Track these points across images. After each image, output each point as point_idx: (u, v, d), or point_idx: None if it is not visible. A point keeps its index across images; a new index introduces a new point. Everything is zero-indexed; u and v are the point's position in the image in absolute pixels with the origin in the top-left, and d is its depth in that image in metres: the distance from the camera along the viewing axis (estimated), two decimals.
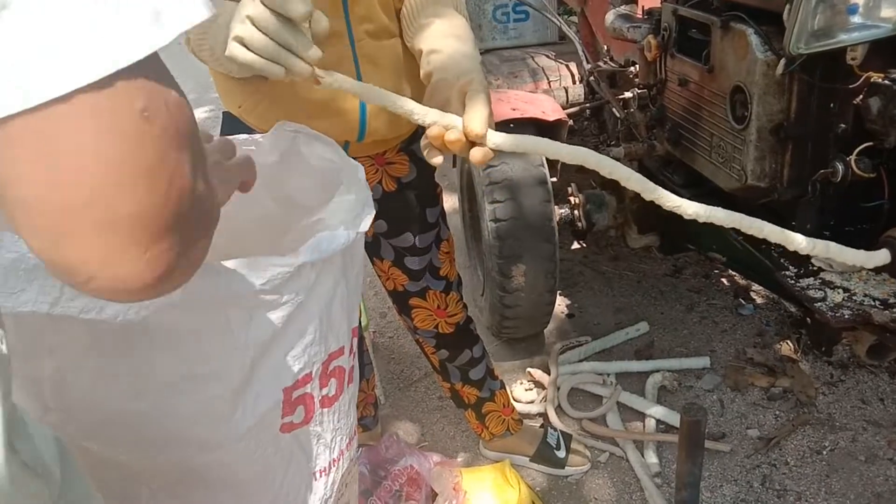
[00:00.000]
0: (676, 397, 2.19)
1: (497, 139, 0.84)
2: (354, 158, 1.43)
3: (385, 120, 1.37)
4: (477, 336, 1.84)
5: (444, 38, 1.07)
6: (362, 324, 2.06)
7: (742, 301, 2.56)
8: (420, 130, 1.57)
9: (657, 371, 2.23)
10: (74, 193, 0.37)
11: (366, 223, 0.91)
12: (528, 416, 2.16)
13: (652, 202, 0.91)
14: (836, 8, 1.23)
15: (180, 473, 0.89)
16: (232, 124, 1.43)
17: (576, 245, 2.96)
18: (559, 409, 2.16)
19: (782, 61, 1.35)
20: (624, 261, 2.86)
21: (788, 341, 2.32)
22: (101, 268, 0.40)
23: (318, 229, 0.89)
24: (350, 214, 0.91)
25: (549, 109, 2.21)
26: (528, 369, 2.31)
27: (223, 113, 1.47)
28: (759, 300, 2.56)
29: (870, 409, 2.10)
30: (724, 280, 2.70)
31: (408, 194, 1.56)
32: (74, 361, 0.76)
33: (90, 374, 0.77)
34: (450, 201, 3.13)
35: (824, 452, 1.97)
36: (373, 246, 1.63)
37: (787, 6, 1.25)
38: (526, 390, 2.26)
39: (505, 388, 1.96)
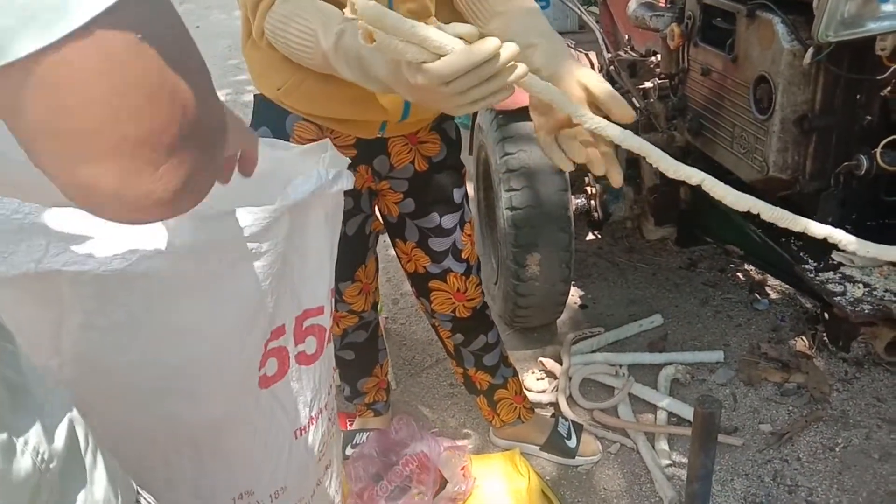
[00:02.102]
0: (689, 390, 2.17)
1: (632, 140, 0.89)
2: (389, 138, 1.47)
3: None
4: (492, 322, 1.84)
5: (532, 30, 1.09)
6: (378, 308, 2.05)
7: (757, 296, 2.54)
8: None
9: (670, 364, 2.22)
10: (84, 120, 0.39)
11: (343, 182, 0.92)
12: (540, 405, 2.16)
13: (670, 193, 0.92)
14: None
15: (174, 432, 0.89)
16: (267, 109, 1.42)
17: (590, 236, 2.94)
18: (570, 399, 2.15)
19: (810, 50, 1.33)
20: (639, 253, 2.85)
21: (803, 337, 2.30)
22: (117, 189, 0.42)
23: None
24: (325, 171, 0.92)
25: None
26: (541, 359, 2.31)
27: (256, 97, 1.46)
28: (774, 295, 2.54)
29: (885, 406, 2.08)
30: (739, 274, 2.68)
31: (438, 174, 1.56)
32: (63, 315, 0.76)
33: (78, 328, 0.77)
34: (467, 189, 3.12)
35: (837, 449, 1.96)
36: (396, 227, 1.63)
37: None
38: (538, 380, 2.26)
39: (517, 376, 1.95)
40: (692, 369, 2.23)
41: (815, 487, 1.85)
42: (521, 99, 1.04)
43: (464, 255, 1.65)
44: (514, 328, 2.42)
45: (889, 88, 1.38)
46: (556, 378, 2.23)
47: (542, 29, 1.12)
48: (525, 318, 2.30)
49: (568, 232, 2.14)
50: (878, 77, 1.37)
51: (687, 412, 2.02)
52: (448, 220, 1.60)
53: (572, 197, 2.39)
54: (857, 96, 1.41)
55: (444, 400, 2.20)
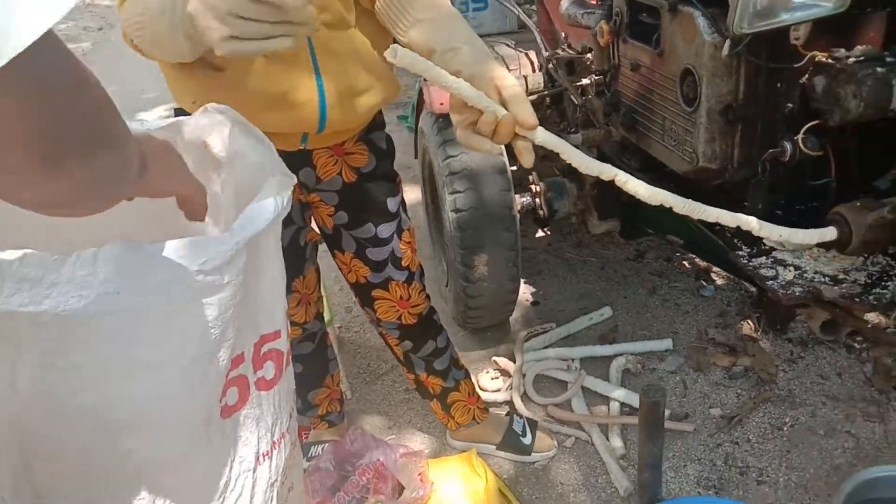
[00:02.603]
0: (640, 380, 2.21)
1: (543, 135, 0.92)
2: (313, 150, 1.46)
3: (344, 111, 1.36)
4: (440, 326, 1.84)
5: (454, 35, 1.11)
6: (326, 319, 2.04)
7: (703, 283, 2.59)
8: (378, 119, 1.58)
9: (621, 355, 2.25)
10: None
11: (288, 206, 0.92)
12: (495, 404, 2.17)
13: (612, 187, 0.94)
14: None
15: (134, 468, 0.87)
16: None
17: (540, 233, 2.97)
18: (525, 396, 2.17)
19: (727, 43, 1.36)
20: (587, 247, 2.88)
21: (749, 321, 2.35)
22: (19, 193, 0.54)
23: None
24: (272, 188, 0.91)
25: None
26: (494, 358, 2.32)
27: (175, 110, 1.44)
28: (719, 281, 2.60)
29: (828, 383, 2.14)
30: (685, 263, 2.73)
31: (368, 184, 1.55)
32: (21, 355, 0.75)
33: (36, 367, 0.75)
34: (414, 192, 3.13)
35: (785, 428, 2.01)
36: (333, 239, 1.62)
37: None
38: (492, 379, 2.27)
39: (470, 378, 1.96)
40: (642, 359, 2.27)
41: (764, 467, 1.90)
42: None
43: (404, 263, 1.64)
44: (468, 329, 2.43)
45: (807, 76, 1.41)
46: (510, 376, 2.24)
47: (465, 34, 1.12)
48: (477, 319, 2.31)
49: (513, 231, 2.15)
50: (796, 66, 1.40)
51: (638, 401, 2.05)
52: (384, 230, 1.59)
53: (517, 196, 2.41)
54: (778, 85, 1.45)
55: (401, 406, 2.20)
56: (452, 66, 1.03)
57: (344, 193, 1.54)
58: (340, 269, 1.69)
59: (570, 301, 2.60)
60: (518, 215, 2.37)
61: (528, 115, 0.92)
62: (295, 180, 0.97)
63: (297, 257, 1.62)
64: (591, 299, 2.59)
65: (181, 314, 0.80)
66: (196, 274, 0.77)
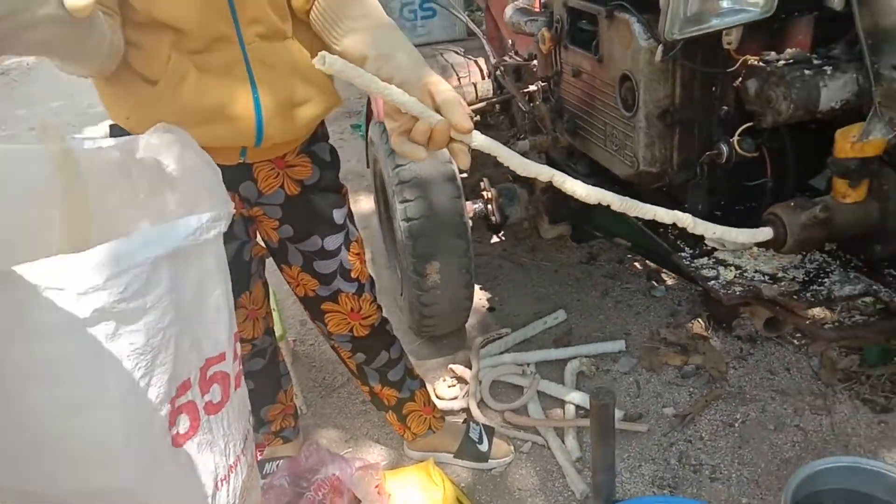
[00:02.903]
0: (594, 382, 2.23)
1: (479, 138, 0.92)
2: (253, 164, 1.44)
3: (282, 123, 1.35)
4: (393, 337, 1.84)
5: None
6: (277, 334, 2.02)
7: (654, 283, 2.63)
8: (320, 131, 1.57)
9: (575, 357, 2.27)
10: None
11: (222, 225, 0.90)
12: (453, 412, 2.17)
13: (561, 192, 0.95)
14: None
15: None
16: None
17: (495, 238, 2.98)
18: (482, 403, 2.17)
19: (660, 48, 1.39)
20: (541, 251, 2.90)
21: (699, 319, 2.39)
22: None
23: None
24: (197, 217, 0.90)
25: None
26: (451, 366, 2.32)
27: (110, 126, 1.41)
28: (670, 281, 2.64)
29: (777, 378, 2.19)
30: (636, 264, 2.76)
31: (313, 196, 1.54)
32: None
33: None
34: (369, 202, 3.12)
35: (736, 425, 2.04)
36: (279, 252, 1.60)
37: None
38: (449, 387, 2.26)
39: (425, 387, 1.95)
40: (596, 360, 2.29)
41: (717, 464, 1.93)
42: None
43: (353, 275, 1.63)
44: (424, 337, 2.42)
45: (740, 79, 1.45)
46: (467, 383, 2.24)
47: (397, 42, 1.13)
48: (432, 327, 2.31)
49: (465, 238, 2.15)
50: (729, 69, 1.43)
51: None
52: (331, 242, 1.58)
53: (469, 203, 2.41)
54: (713, 88, 1.48)
55: (357, 418, 2.18)
56: (385, 73, 1.03)
57: (287, 206, 1.52)
58: (289, 283, 1.67)
59: (526, 305, 2.62)
60: (470, 222, 2.38)
61: (463, 119, 0.92)
62: (231, 208, 0.95)
63: (242, 272, 1.60)
64: (546, 303, 2.61)
65: (105, 347, 0.78)
66: (115, 305, 0.75)
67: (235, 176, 1.44)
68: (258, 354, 1.79)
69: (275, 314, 2.14)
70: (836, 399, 2.09)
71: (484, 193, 2.42)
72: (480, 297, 2.67)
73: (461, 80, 2.84)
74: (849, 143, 1.29)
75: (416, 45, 3.34)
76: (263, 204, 1.51)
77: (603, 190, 0.95)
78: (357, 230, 1.66)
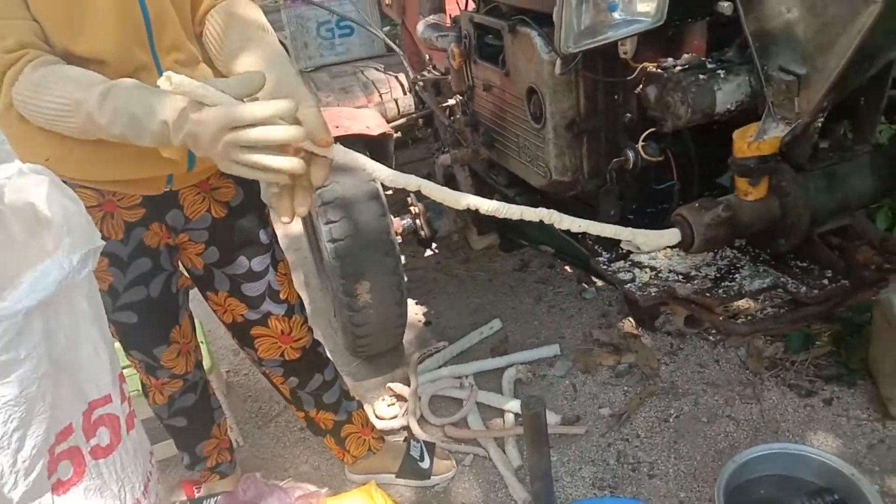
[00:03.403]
0: (532, 388, 2.25)
1: (340, 152, 0.93)
2: (179, 190, 1.41)
3: None
4: (327, 359, 1.82)
5: (264, 63, 1.09)
6: (206, 367, 1.98)
7: (585, 286, 2.67)
8: None
9: (511, 366, 2.29)
10: None
11: (92, 263, 0.89)
12: (393, 431, 2.16)
13: None
14: (598, 6, 1.29)
15: None
16: None
17: (428, 252, 2.98)
18: (422, 419, 2.17)
19: (558, 61, 1.41)
20: (475, 262, 2.92)
21: (630, 318, 2.44)
22: None
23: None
24: (66, 259, 0.88)
25: (373, 124, 2.22)
26: (389, 384, 2.30)
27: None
28: (600, 283, 2.68)
29: (707, 371, 2.24)
30: (567, 268, 2.80)
31: (238, 218, 1.53)
32: None
33: None
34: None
35: (671, 420, 2.09)
36: (204, 279, 1.57)
37: (556, 8, 1.31)
38: (389, 406, 2.25)
39: (363, 408, 1.94)
40: (533, 367, 2.31)
41: (654, 461, 1.96)
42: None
43: (282, 296, 1.61)
44: (360, 357, 2.41)
45: (640, 87, 1.48)
46: (406, 401, 2.23)
47: (271, 57, 1.11)
48: (368, 347, 2.29)
49: (393, 255, 2.15)
50: (629, 78, 1.47)
51: None
52: (258, 263, 1.56)
53: (397, 219, 2.41)
54: (616, 97, 1.51)
55: (296, 446, 2.15)
56: (257, 97, 1.03)
57: (214, 229, 1.50)
58: (215, 310, 1.64)
59: (462, 317, 2.63)
60: (399, 238, 2.38)
61: (322, 131, 0.92)
62: (100, 241, 0.93)
63: (171, 305, 1.57)
64: (482, 313, 2.62)
65: None
66: None
67: (162, 205, 1.43)
68: (190, 390, 1.75)
69: (203, 347, 2.10)
70: (764, 387, 2.15)
71: (411, 208, 2.42)
72: (416, 311, 2.67)
73: (382, 96, 2.85)
74: (746, 142, 1.33)
75: (335, 64, 3.32)
76: (190, 230, 1.49)
77: (469, 195, 0.97)
78: (282, 251, 1.65)
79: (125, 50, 1.20)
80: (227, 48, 1.18)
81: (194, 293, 1.66)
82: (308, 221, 2.62)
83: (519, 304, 2.65)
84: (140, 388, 1.82)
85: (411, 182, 0.94)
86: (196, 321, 2.09)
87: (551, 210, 0.96)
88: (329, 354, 2.40)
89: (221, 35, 1.21)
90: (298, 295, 1.69)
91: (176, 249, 1.54)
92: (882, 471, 1.85)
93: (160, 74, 1.25)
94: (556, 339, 2.43)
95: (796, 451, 1.73)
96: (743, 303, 1.55)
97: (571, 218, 0.97)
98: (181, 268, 1.60)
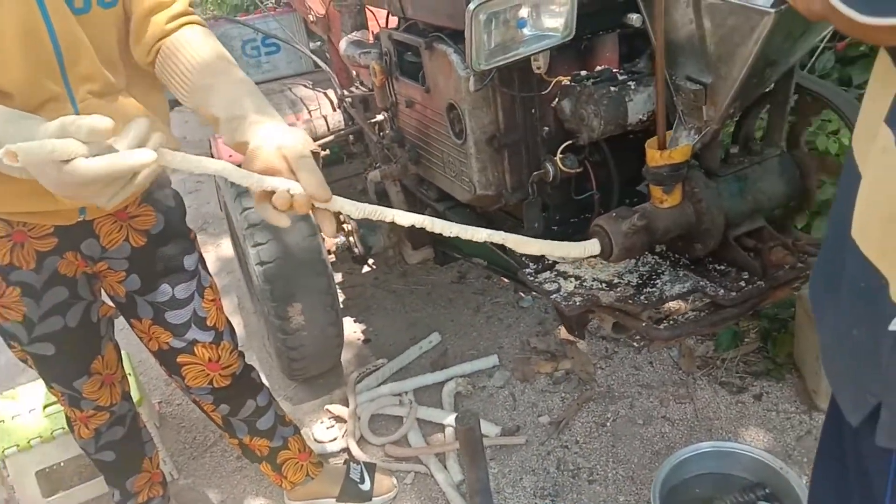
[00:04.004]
0: (472, 400, 2.25)
1: (340, 203, 0.93)
2: (93, 220, 1.37)
3: None
4: (259, 384, 1.78)
5: (242, 102, 1.05)
6: (135, 398, 1.92)
7: (522, 294, 2.69)
8: (162, 177, 1.51)
9: (451, 379, 2.28)
10: None
11: None
12: (333, 454, 2.13)
13: None
14: (507, 24, 1.31)
15: None
16: None
17: (366, 268, 2.96)
18: (362, 440, 2.14)
19: (471, 78, 1.42)
20: (413, 275, 2.91)
21: None
22: None
23: None
24: None
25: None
26: (327, 406, 2.27)
27: None
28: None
29: (642, 373, 2.28)
30: (504, 278, 2.81)
31: (160, 245, 1.50)
32: None
33: None
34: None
35: (608, 424, 2.11)
36: (127, 307, 1.53)
37: (465, 26, 1.31)
38: (328, 428, 2.22)
39: (299, 433, 1.91)
40: (472, 379, 2.31)
41: (593, 466, 1.98)
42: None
43: (209, 323, 1.58)
44: (297, 380, 2.37)
45: (556, 100, 1.50)
46: (346, 422, 2.21)
47: (246, 100, 1.07)
48: (304, 369, 2.26)
49: (326, 275, 2.12)
50: (544, 92, 1.49)
51: None
52: (182, 290, 1.53)
53: (329, 237, 2.39)
54: (533, 111, 1.53)
55: (233, 475, 2.10)
56: (239, 137, 1.00)
57: (134, 258, 1.47)
58: (140, 338, 1.60)
59: (401, 333, 2.61)
60: (332, 257, 2.35)
61: (321, 189, 0.91)
62: None
63: (91, 335, 1.53)
64: (421, 327, 2.62)
65: None
66: None
67: (75, 235, 1.39)
68: (117, 422, 1.70)
69: (131, 379, 2.04)
70: (697, 386, 2.20)
71: (344, 226, 2.40)
72: (354, 329, 2.65)
73: (311, 113, 2.82)
74: (658, 151, 1.36)
75: (262, 82, 3.28)
76: (108, 258, 1.45)
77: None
78: (210, 275, 1.61)
79: (33, 81, 1.15)
80: (190, 80, 1.14)
81: (122, 322, 1.61)
82: (237, 244, 2.57)
83: (458, 316, 2.65)
84: (65, 424, 1.76)
85: (279, 185, 0.92)
86: (125, 352, 2.03)
87: (423, 216, 0.96)
88: (265, 378, 2.37)
89: (181, 63, 1.17)
90: (228, 321, 1.66)
91: (96, 278, 1.50)
92: (810, 461, 1.90)
93: (73, 105, 1.22)
94: (494, 349, 2.44)
95: (728, 448, 1.77)
96: (672, 304, 1.58)
97: (444, 222, 0.97)
98: (104, 295, 1.56)
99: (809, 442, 1.96)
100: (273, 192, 0.92)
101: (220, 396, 1.68)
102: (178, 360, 1.59)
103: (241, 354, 1.69)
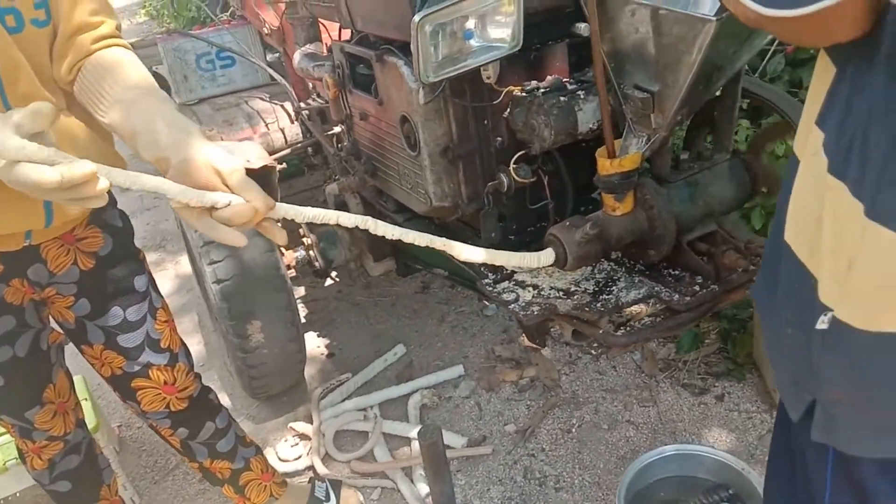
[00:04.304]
0: (438, 412, 2.23)
1: (284, 209, 0.91)
2: (40, 245, 1.33)
3: None
4: (218, 405, 1.74)
5: (159, 116, 1.02)
6: (90, 425, 1.87)
7: (486, 303, 2.69)
8: (109, 197, 1.47)
9: (416, 391, 2.27)
10: None
11: None
12: (298, 472, 2.10)
13: None
14: (454, 35, 1.30)
15: None
16: None
17: (329, 280, 2.94)
18: (327, 457, 2.12)
19: (421, 91, 1.41)
20: (376, 287, 2.89)
21: None
22: None
23: None
24: None
25: (254, 157, 2.14)
26: (291, 424, 2.24)
27: None
28: None
29: (605, 378, 2.29)
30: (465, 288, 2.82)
31: (109, 267, 1.46)
32: None
33: None
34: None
35: (573, 430, 2.12)
36: (77, 333, 1.49)
37: (412, 39, 1.31)
38: (292, 446, 2.19)
39: (261, 453, 1.87)
40: (438, 390, 2.30)
41: (560, 473, 1.98)
42: None
43: (163, 345, 1.54)
44: (260, 398, 2.33)
45: (508, 111, 1.50)
46: (310, 439, 2.18)
47: (166, 115, 1.04)
48: (266, 387, 2.22)
49: (285, 291, 2.10)
50: (496, 102, 1.49)
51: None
52: (133, 313, 1.49)
53: (290, 251, 2.36)
54: (486, 122, 1.53)
55: (196, 498, 2.06)
56: (160, 152, 0.97)
57: (83, 282, 1.43)
58: (92, 364, 1.56)
59: (365, 345, 2.59)
60: (292, 272, 2.33)
61: (261, 199, 0.89)
62: None
63: (41, 364, 1.48)
64: (385, 339, 2.60)
65: None
66: None
67: (22, 261, 1.35)
68: (72, 451, 1.65)
69: (87, 404, 1.99)
70: (660, 388, 2.21)
71: (304, 240, 2.38)
72: (318, 343, 2.62)
73: (268, 126, 2.79)
74: (608, 160, 1.37)
75: (218, 95, 3.23)
76: (56, 283, 1.41)
77: (282, 204, 0.93)
78: (161, 296, 1.58)
79: None
80: (108, 97, 1.11)
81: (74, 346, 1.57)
82: (193, 262, 2.53)
83: (422, 326, 2.64)
84: (17, 455, 1.70)
85: (219, 200, 0.88)
86: (81, 376, 1.98)
87: (367, 217, 0.95)
88: (227, 397, 2.33)
89: (98, 80, 1.14)
90: (182, 342, 1.62)
91: (43, 304, 1.46)
92: None
93: None
94: (459, 359, 2.43)
95: (691, 451, 1.78)
96: (631, 309, 1.59)
97: (386, 225, 0.96)
98: (52, 322, 1.52)
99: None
100: (212, 209, 0.89)
101: (178, 420, 1.64)
102: (132, 384, 1.55)
103: (198, 376, 1.66)
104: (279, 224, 0.97)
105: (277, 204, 0.92)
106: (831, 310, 0.74)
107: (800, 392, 0.83)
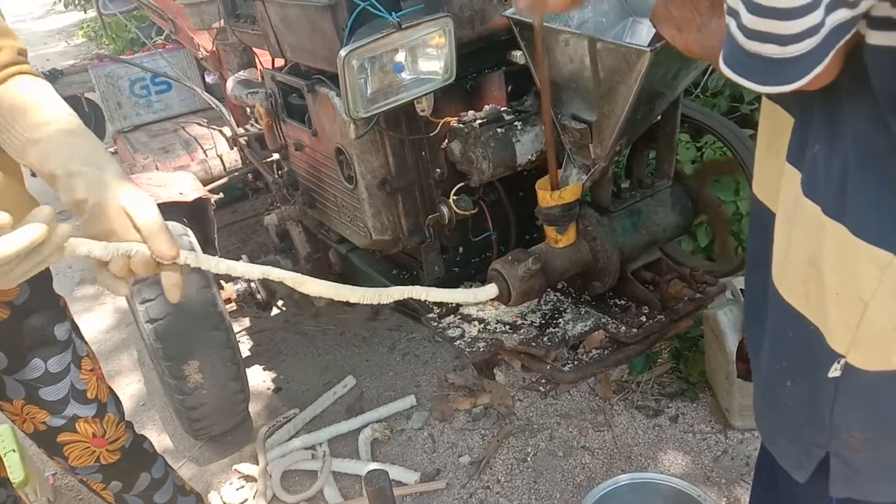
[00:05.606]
0: (390, 446, 2.17)
1: (187, 258, 0.87)
2: None
3: None
4: (153, 454, 1.65)
5: (77, 156, 0.95)
6: (17, 480, 1.76)
7: None
8: None
9: (367, 425, 2.20)
10: None
11: None
12: None
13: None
14: (384, 69, 1.25)
15: None
16: None
17: (275, 310, 2.85)
18: (274, 499, 2.03)
19: (352, 126, 1.36)
20: (325, 315, 2.81)
21: None
22: None
23: None
24: None
25: (187, 189, 2.07)
26: (235, 466, 2.15)
27: None
28: None
29: (559, 402, 2.25)
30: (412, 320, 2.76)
31: (25, 317, 1.35)
32: None
33: None
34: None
35: (529, 459, 2.07)
36: None
37: (339, 75, 1.25)
38: (237, 490, 2.09)
39: (202, 501, 1.78)
40: (390, 422, 2.23)
41: None
42: None
43: (90, 395, 1.45)
44: (202, 440, 2.23)
45: (445, 142, 1.46)
46: (256, 481, 2.09)
47: (86, 154, 0.97)
48: (208, 428, 2.13)
49: (223, 328, 2.01)
50: (432, 133, 1.44)
51: (391, 472, 2.00)
52: (56, 364, 1.40)
53: (230, 284, 2.28)
54: (423, 153, 1.48)
55: None
56: (78, 194, 0.90)
57: None
58: (12, 420, 1.45)
59: (313, 378, 2.51)
60: (232, 306, 2.24)
61: (166, 246, 0.85)
62: None
63: None
64: (334, 370, 2.52)
65: None
66: None
67: None
68: None
69: (14, 456, 1.88)
70: (615, 412, 2.18)
71: None
72: (264, 378, 2.53)
73: (206, 152, 2.70)
74: (548, 192, 1.33)
75: (154, 122, 3.12)
76: None
77: (232, 263, 0.90)
78: (86, 344, 1.48)
79: None
80: (22, 135, 1.02)
81: None
82: (128, 300, 2.42)
83: (373, 355, 2.57)
84: None
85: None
86: (6, 426, 1.87)
87: (295, 273, 0.92)
88: (169, 438, 2.23)
89: (11, 117, 1.05)
90: (111, 390, 1.53)
91: None
92: (728, 482, 1.91)
93: None
94: (412, 388, 2.36)
95: (644, 479, 1.74)
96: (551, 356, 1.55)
97: (317, 282, 0.92)
98: None
99: (726, 462, 1.96)
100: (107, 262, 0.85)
101: (110, 473, 1.55)
102: (58, 439, 1.45)
103: (129, 425, 1.57)
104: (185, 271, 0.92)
105: (187, 252, 0.88)
106: (843, 356, 0.70)
107: (806, 450, 0.79)
